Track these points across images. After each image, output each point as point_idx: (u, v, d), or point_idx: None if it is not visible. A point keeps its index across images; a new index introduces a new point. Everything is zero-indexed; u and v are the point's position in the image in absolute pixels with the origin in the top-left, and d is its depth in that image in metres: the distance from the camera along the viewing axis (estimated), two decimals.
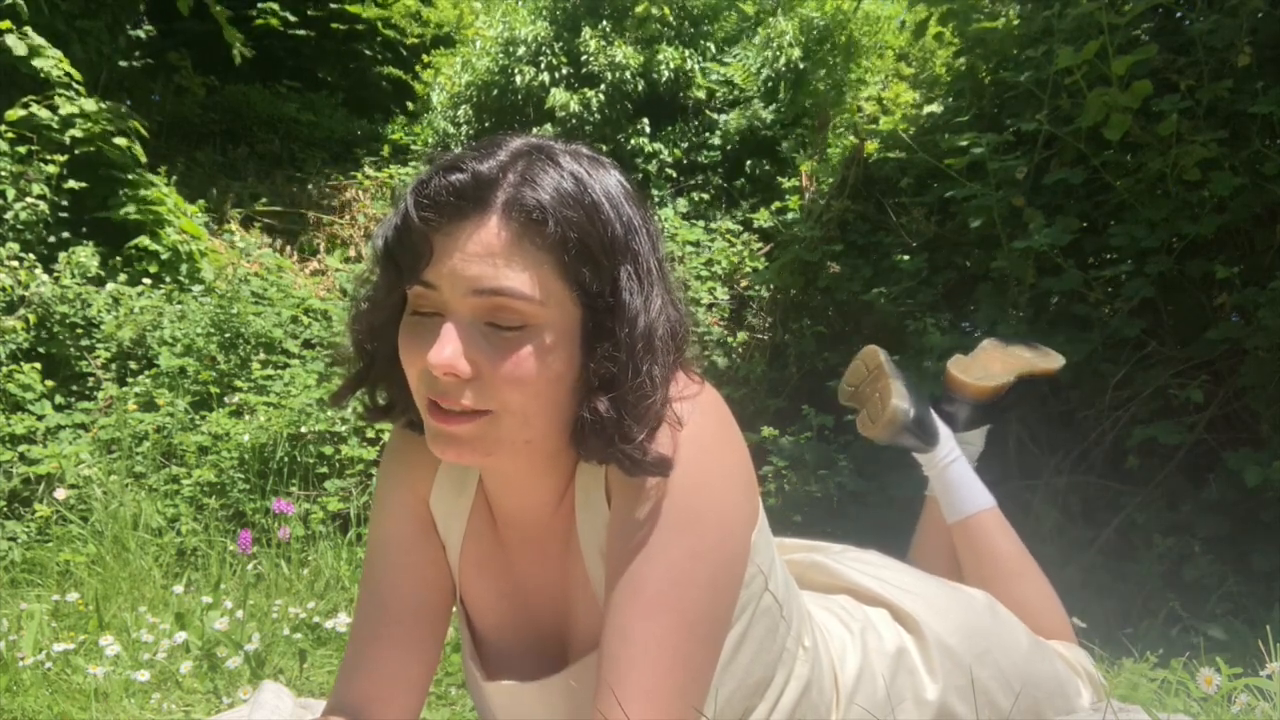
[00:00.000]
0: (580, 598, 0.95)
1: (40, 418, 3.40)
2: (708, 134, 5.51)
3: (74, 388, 3.67)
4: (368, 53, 7.59)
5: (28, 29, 4.34)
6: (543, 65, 5.46)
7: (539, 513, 0.96)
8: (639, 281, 0.85)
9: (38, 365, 3.56)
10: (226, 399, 3.45)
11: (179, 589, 2.39)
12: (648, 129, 5.43)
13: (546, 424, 0.85)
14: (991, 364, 1.81)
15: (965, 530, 1.58)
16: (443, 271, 0.80)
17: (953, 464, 1.64)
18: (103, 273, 4.04)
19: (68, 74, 4.36)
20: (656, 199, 5.27)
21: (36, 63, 4.27)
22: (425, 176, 0.83)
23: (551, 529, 0.96)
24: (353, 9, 7.37)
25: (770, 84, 5.42)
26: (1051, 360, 1.87)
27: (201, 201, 5.02)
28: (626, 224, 0.85)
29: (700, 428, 0.86)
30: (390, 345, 0.88)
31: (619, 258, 0.84)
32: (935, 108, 3.38)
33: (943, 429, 1.68)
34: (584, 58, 5.35)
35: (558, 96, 5.27)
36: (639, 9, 5.32)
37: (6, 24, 4.31)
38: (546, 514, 0.95)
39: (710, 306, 4.09)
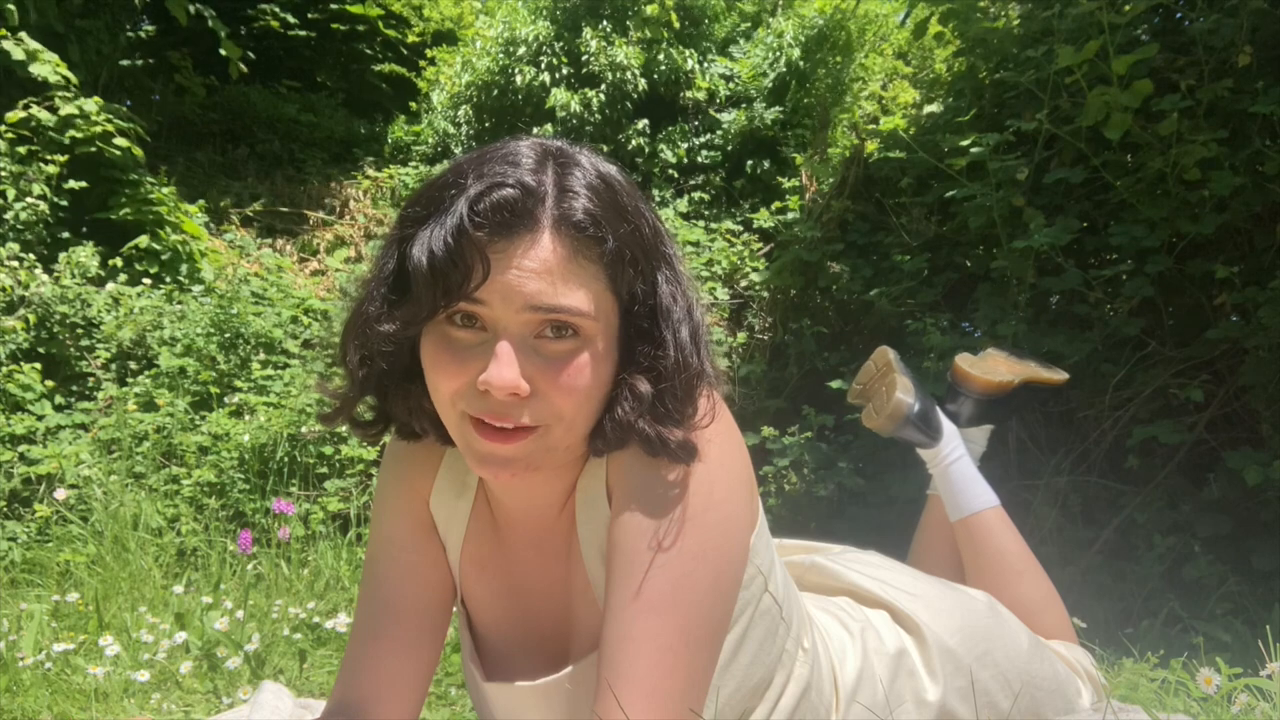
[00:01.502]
0: (581, 599, 0.94)
1: (40, 418, 3.41)
2: (708, 134, 5.51)
3: (74, 388, 3.67)
4: (368, 52, 7.59)
5: (23, 35, 4.34)
6: (543, 65, 5.46)
7: (542, 515, 0.96)
8: (678, 285, 0.87)
9: (38, 365, 3.56)
10: (226, 399, 3.45)
11: (179, 589, 2.39)
12: (648, 129, 5.44)
13: (586, 430, 0.86)
14: (998, 365, 1.83)
15: (968, 528, 1.59)
16: (496, 288, 0.79)
17: (956, 462, 1.65)
18: (103, 273, 4.04)
19: (64, 77, 4.36)
20: (657, 199, 5.27)
21: (34, 69, 4.27)
22: (475, 191, 0.79)
23: (553, 530, 0.96)
24: (353, 9, 7.37)
25: (772, 84, 5.42)
26: (1056, 373, 1.88)
27: (201, 201, 5.02)
28: (652, 223, 0.86)
29: (701, 430, 0.87)
30: (403, 362, 0.87)
31: (656, 260, 0.85)
32: (935, 108, 3.38)
33: (947, 426, 1.69)
34: (585, 58, 5.36)
35: (558, 96, 5.27)
36: (650, 9, 5.32)
37: (1, 31, 4.31)
38: (550, 516, 0.95)
39: (710, 306, 4.08)
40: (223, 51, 5.56)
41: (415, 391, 0.89)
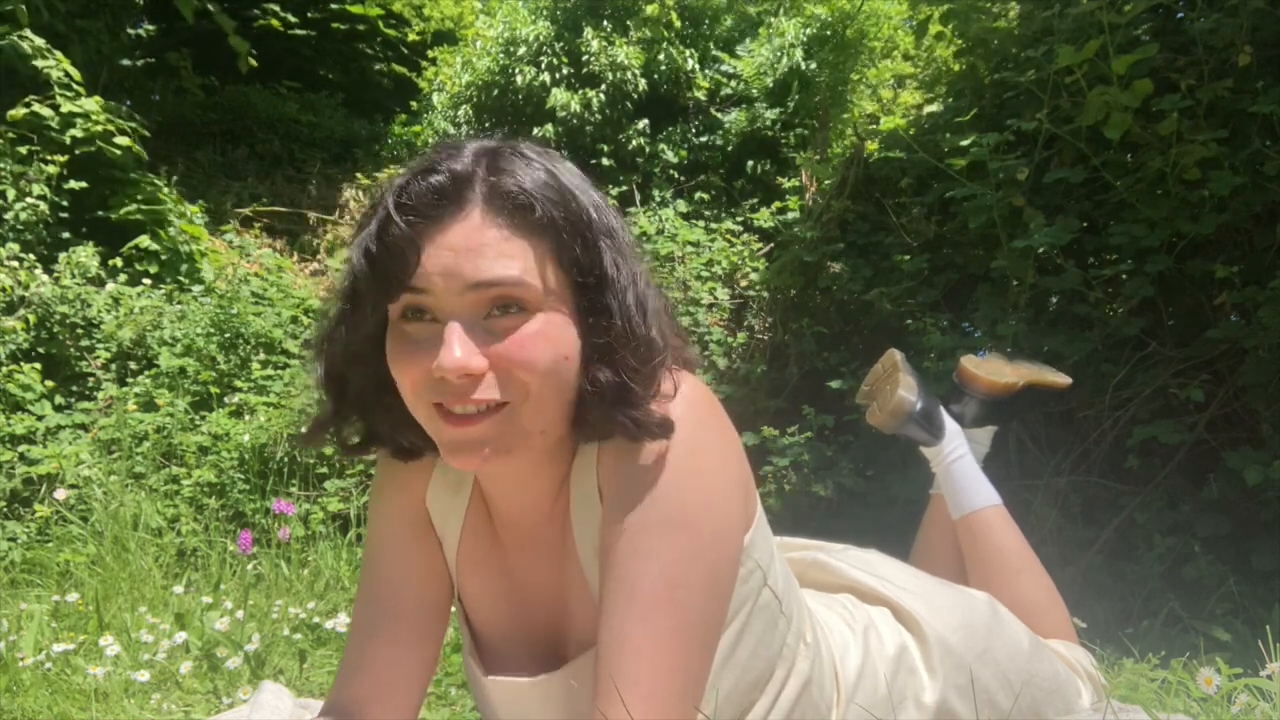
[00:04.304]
0: (577, 596, 0.94)
1: (40, 418, 3.41)
2: (709, 134, 5.51)
3: (74, 388, 3.68)
4: (369, 52, 7.59)
5: (27, 31, 4.35)
6: (543, 65, 5.45)
7: (536, 511, 0.96)
8: (621, 255, 0.87)
9: (38, 365, 3.56)
10: (226, 399, 3.45)
11: (179, 589, 2.39)
12: (648, 129, 5.43)
13: (557, 409, 0.85)
14: (1003, 367, 1.85)
15: (969, 526, 1.59)
16: (434, 272, 0.80)
17: (959, 460, 1.65)
18: (103, 273, 4.05)
19: (67, 74, 4.37)
20: (657, 199, 5.27)
21: (38, 63, 4.28)
22: (402, 181, 0.82)
23: (548, 528, 0.96)
24: (354, 9, 7.37)
25: (775, 85, 5.42)
26: (1060, 376, 1.89)
27: (201, 201, 5.02)
28: (596, 204, 0.87)
29: (692, 426, 0.86)
30: (373, 370, 0.87)
31: (600, 235, 0.85)
32: (935, 108, 3.38)
33: (950, 425, 1.70)
34: (585, 58, 5.35)
35: (558, 96, 5.27)
36: (650, 9, 5.32)
37: (5, 27, 4.31)
38: (543, 513, 0.95)
39: (710, 306, 4.08)
40: (231, 44, 5.56)
41: (397, 404, 0.88)
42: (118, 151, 4.32)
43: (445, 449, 0.85)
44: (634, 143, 5.37)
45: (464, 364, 0.79)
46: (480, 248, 0.80)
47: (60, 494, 2.94)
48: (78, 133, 4.21)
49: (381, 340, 0.85)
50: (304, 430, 0.94)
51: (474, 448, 0.83)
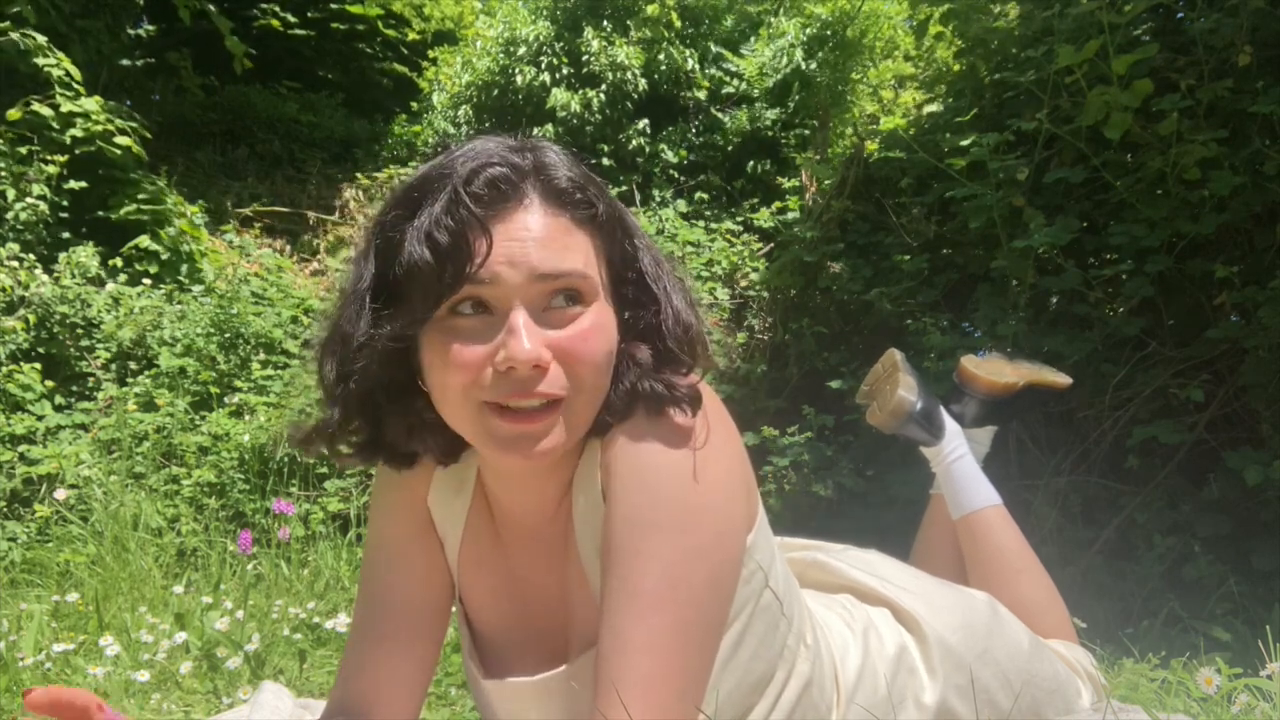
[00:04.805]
0: (578, 596, 0.94)
1: (40, 418, 3.41)
2: (709, 134, 5.51)
3: (74, 388, 3.68)
4: (369, 52, 7.59)
5: (31, 31, 4.35)
6: (543, 65, 5.46)
7: (539, 512, 0.95)
8: (650, 250, 0.90)
9: (38, 365, 3.56)
10: (226, 399, 3.45)
11: (179, 589, 2.39)
12: (648, 129, 5.43)
13: (599, 403, 0.86)
14: (1003, 367, 1.85)
15: (969, 526, 1.59)
16: (499, 263, 0.78)
17: (959, 460, 1.65)
18: (103, 273, 4.05)
19: (67, 73, 4.37)
20: (657, 199, 5.27)
21: (39, 61, 4.28)
22: (466, 172, 0.80)
23: (550, 528, 0.96)
24: (353, 9, 7.37)
25: (775, 85, 5.42)
26: (1060, 376, 1.90)
27: (201, 202, 5.02)
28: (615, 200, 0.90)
29: (696, 426, 0.86)
30: (398, 379, 0.85)
31: (632, 231, 0.89)
32: (936, 107, 3.39)
33: (950, 425, 1.70)
34: (585, 58, 5.35)
35: (558, 96, 5.27)
36: (650, 9, 5.32)
37: (8, 24, 4.31)
38: (546, 514, 0.95)
39: (710, 306, 4.09)
40: (227, 45, 5.56)
41: (416, 406, 0.87)
42: (118, 151, 4.32)
43: (499, 445, 0.82)
44: (634, 143, 5.37)
45: (537, 354, 0.78)
46: (545, 239, 0.80)
47: (60, 494, 2.94)
48: (78, 132, 4.21)
49: (408, 339, 0.83)
50: (304, 436, 0.90)
51: (531, 442, 0.82)
